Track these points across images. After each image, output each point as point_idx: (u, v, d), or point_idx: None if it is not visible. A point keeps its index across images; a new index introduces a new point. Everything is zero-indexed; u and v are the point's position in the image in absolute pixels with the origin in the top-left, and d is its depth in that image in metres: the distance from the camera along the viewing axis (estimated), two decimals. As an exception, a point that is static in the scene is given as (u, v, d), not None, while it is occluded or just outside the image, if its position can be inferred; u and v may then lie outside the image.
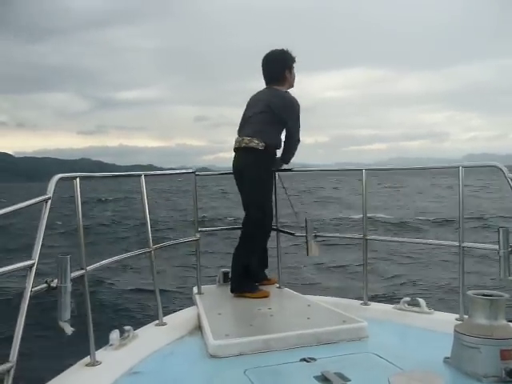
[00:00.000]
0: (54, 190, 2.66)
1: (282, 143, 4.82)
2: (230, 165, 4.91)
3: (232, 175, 4.90)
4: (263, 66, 4.84)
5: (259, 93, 4.89)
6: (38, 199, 2.54)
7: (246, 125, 4.76)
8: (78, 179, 3.02)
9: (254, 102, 4.83)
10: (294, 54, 4.83)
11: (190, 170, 4.77)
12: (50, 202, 2.58)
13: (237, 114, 5.07)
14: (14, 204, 2.37)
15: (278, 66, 4.78)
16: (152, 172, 4.33)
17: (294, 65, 4.86)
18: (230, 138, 4.88)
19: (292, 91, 4.86)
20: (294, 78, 4.86)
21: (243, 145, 4.65)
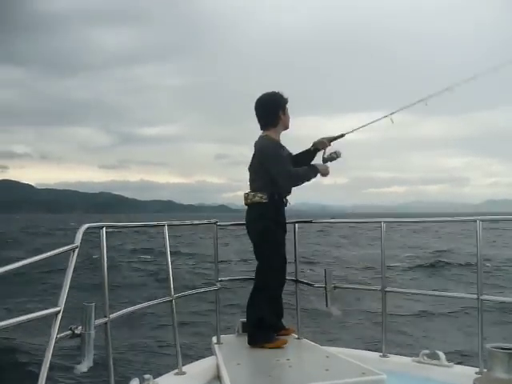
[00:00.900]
0: (82, 239, 2.74)
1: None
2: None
3: None
4: (256, 110, 4.84)
5: (255, 143, 4.89)
6: (66, 248, 2.62)
7: (251, 178, 4.81)
8: (104, 229, 3.11)
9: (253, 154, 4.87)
10: (285, 96, 4.83)
11: (212, 221, 4.83)
12: (77, 250, 2.66)
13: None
14: (42, 253, 2.45)
15: (272, 108, 4.79)
16: (175, 222, 4.41)
17: (287, 106, 4.86)
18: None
19: (289, 132, 4.92)
20: (288, 119, 4.86)
21: (248, 201, 4.69)
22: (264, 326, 4.61)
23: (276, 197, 4.65)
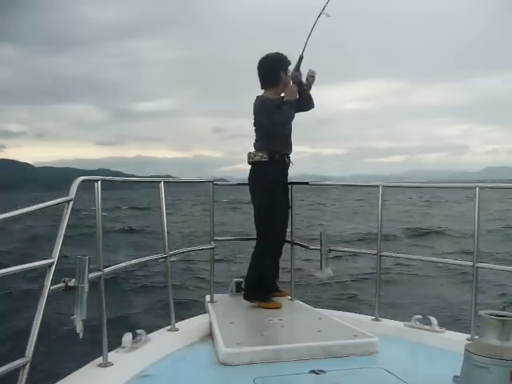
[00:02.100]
0: (76, 191, 2.71)
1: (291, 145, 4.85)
2: (247, 176, 4.93)
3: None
4: (258, 68, 4.84)
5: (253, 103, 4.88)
6: (60, 200, 2.60)
7: (255, 137, 4.83)
8: (99, 182, 3.07)
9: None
10: (289, 58, 4.82)
11: (209, 179, 4.80)
12: (71, 203, 2.64)
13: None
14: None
15: (274, 67, 4.78)
16: (171, 179, 4.39)
17: (290, 68, 4.83)
18: (248, 149, 4.91)
19: None
20: (289, 81, 4.81)
21: (250, 160, 4.73)
22: (263, 284, 4.67)
23: (276, 157, 4.67)
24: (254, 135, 4.90)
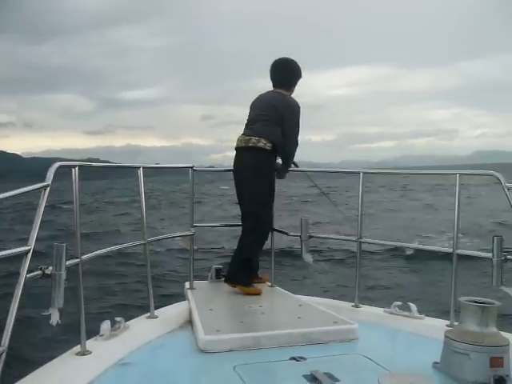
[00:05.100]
0: (53, 177, 2.66)
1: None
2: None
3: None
4: (278, 69, 4.89)
5: (265, 94, 4.92)
6: (36, 186, 2.54)
7: (255, 124, 4.78)
8: (76, 168, 3.02)
9: (260, 103, 4.86)
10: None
11: (189, 165, 4.76)
12: (48, 189, 2.58)
13: (243, 112, 5.10)
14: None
15: (294, 75, 4.90)
16: (151, 165, 4.33)
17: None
18: (237, 136, 4.88)
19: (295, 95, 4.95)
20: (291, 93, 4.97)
21: (250, 144, 4.66)
22: (248, 267, 4.68)
23: (278, 148, 4.71)
24: (243, 121, 4.92)
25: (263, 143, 4.62)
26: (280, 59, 4.90)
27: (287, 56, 4.97)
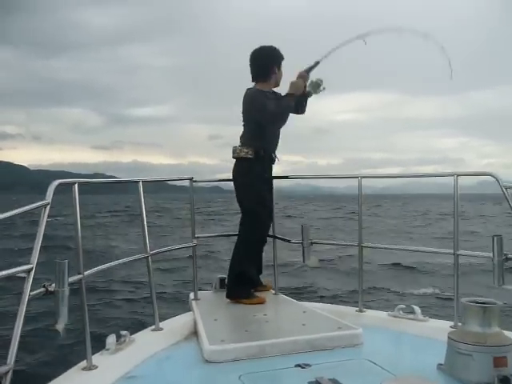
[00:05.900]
0: (53, 195, 2.68)
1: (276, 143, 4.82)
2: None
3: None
4: (251, 60, 4.75)
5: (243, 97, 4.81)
6: (37, 204, 2.56)
7: (242, 132, 4.78)
8: (76, 185, 3.04)
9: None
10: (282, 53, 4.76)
11: (188, 176, 4.77)
12: (48, 207, 2.60)
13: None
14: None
15: (267, 61, 4.71)
16: (150, 178, 4.35)
17: (283, 63, 4.79)
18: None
19: None
20: (280, 77, 4.80)
21: (235, 155, 4.70)
22: (244, 281, 4.65)
23: (262, 153, 4.65)
24: None
25: (245, 152, 4.62)
26: (254, 50, 4.74)
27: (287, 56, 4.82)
